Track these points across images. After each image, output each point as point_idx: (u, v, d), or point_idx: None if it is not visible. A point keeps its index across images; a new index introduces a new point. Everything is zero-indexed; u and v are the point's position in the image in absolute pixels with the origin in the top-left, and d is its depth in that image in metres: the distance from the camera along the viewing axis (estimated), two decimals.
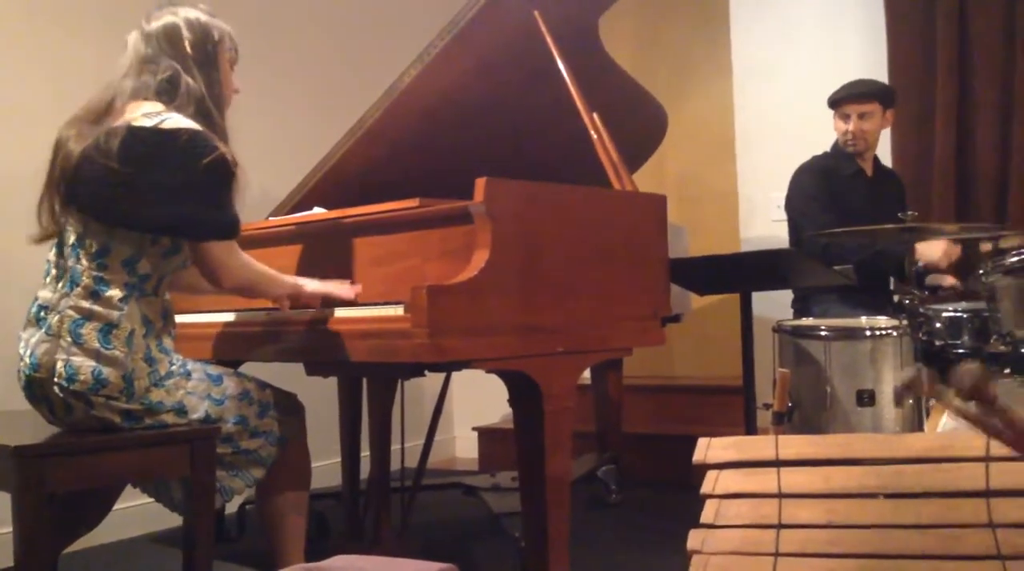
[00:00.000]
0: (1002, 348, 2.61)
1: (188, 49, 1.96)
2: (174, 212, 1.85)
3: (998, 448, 1.50)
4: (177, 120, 1.86)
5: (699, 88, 4.82)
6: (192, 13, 2.00)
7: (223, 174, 1.87)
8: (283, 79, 3.93)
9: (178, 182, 1.84)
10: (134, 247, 1.87)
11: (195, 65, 1.96)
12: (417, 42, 2.59)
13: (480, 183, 1.96)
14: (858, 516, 1.52)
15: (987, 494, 1.48)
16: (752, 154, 4.22)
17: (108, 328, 1.83)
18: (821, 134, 3.56)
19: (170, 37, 1.96)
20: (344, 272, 2.26)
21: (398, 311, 1.93)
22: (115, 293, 1.85)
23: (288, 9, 4.01)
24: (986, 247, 3.32)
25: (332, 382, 2.99)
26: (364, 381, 2.91)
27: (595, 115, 2.49)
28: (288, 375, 2.51)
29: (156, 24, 1.97)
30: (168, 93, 1.92)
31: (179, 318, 2.35)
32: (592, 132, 2.46)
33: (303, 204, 2.73)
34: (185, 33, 1.96)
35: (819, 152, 3.56)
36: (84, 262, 1.87)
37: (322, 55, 4.17)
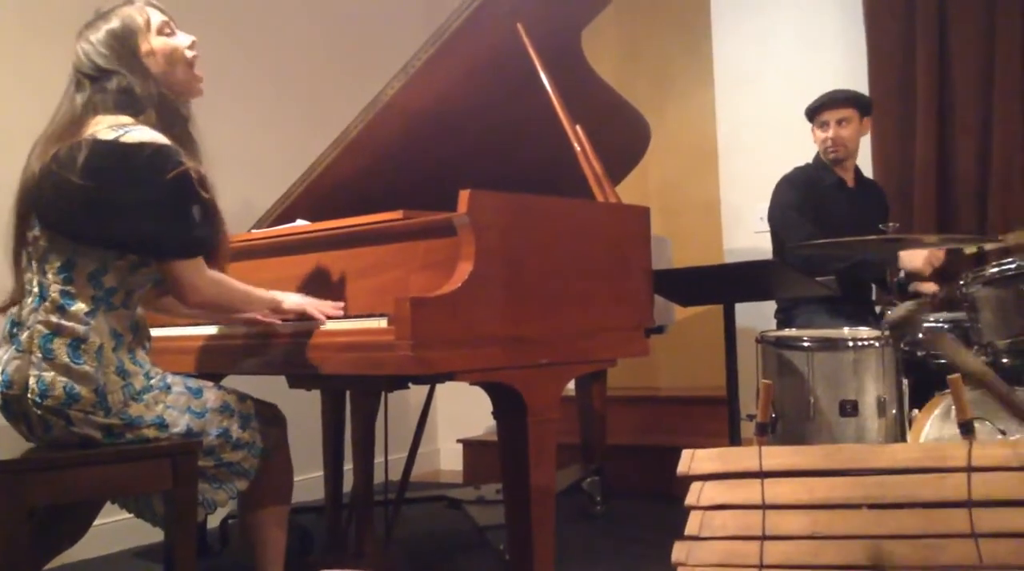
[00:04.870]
0: (983, 358, 2.63)
1: (113, 65, 1.91)
2: (135, 229, 1.82)
3: (980, 458, 1.51)
4: (141, 133, 1.83)
5: (681, 99, 4.85)
6: (93, 32, 1.93)
7: (187, 190, 1.83)
8: (267, 89, 3.93)
9: (140, 198, 1.81)
10: (99, 261, 1.85)
11: (129, 74, 1.90)
12: (403, 53, 2.59)
13: (464, 195, 1.96)
14: (841, 527, 1.52)
15: (969, 504, 1.48)
16: (734, 164, 4.24)
17: (77, 343, 1.80)
18: (803, 144, 3.58)
19: (93, 61, 1.91)
20: (327, 285, 2.26)
21: (381, 323, 1.93)
22: (81, 307, 1.83)
23: (274, 18, 4.01)
24: (971, 250, 3.34)
25: (315, 395, 2.98)
26: (347, 394, 2.90)
27: (578, 127, 2.50)
28: (270, 388, 2.50)
29: (78, 53, 1.93)
30: (127, 105, 1.88)
31: (160, 331, 2.34)
32: (575, 144, 2.47)
33: (286, 216, 2.72)
34: (100, 55, 1.91)
35: (801, 162, 3.58)
36: (50, 276, 1.84)
37: (307, 66, 4.16)
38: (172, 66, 1.99)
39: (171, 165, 1.81)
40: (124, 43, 1.93)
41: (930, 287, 3.40)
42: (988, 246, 3.19)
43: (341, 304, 2.17)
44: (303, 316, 2.11)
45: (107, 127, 1.84)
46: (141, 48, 1.95)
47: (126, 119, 1.87)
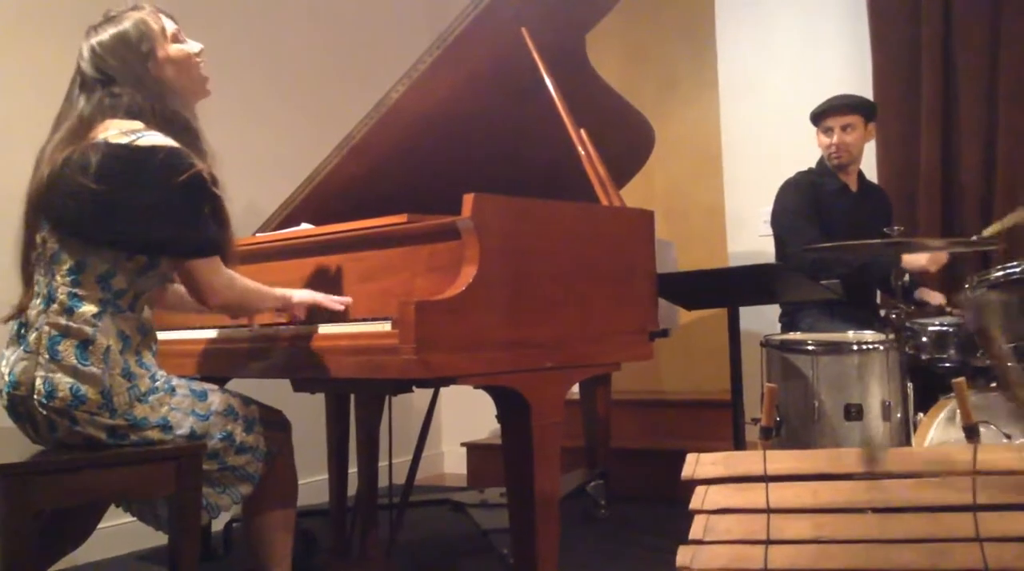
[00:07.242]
0: (988, 362, 2.63)
1: (122, 71, 1.91)
2: (149, 231, 1.83)
3: (985, 462, 1.51)
4: (154, 138, 1.84)
5: (685, 103, 4.85)
6: (101, 35, 1.93)
7: (199, 192, 1.84)
8: (271, 92, 3.93)
9: (153, 200, 1.82)
10: (109, 263, 1.85)
11: (139, 81, 1.91)
12: (407, 57, 2.60)
13: (468, 199, 1.96)
14: (846, 531, 1.52)
15: (974, 508, 1.48)
16: (738, 169, 4.24)
17: (84, 344, 1.81)
18: (807, 149, 3.58)
19: (100, 66, 1.91)
20: (331, 288, 2.26)
21: (385, 327, 1.93)
22: (89, 309, 1.83)
23: (278, 21, 4.02)
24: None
25: (320, 398, 2.98)
26: (352, 397, 2.91)
27: (582, 131, 2.50)
28: (275, 391, 2.50)
29: (84, 55, 1.93)
30: (138, 112, 1.88)
31: (164, 335, 2.34)
32: (579, 148, 2.47)
33: (290, 220, 2.73)
34: (109, 60, 1.91)
35: (805, 166, 3.58)
36: (59, 278, 1.85)
37: (311, 69, 4.17)
38: (185, 72, 2.00)
39: (184, 167, 1.82)
40: (136, 50, 1.93)
41: (936, 297, 3.39)
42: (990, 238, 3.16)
43: (348, 299, 2.17)
44: (314, 307, 2.12)
45: (119, 132, 1.85)
46: (157, 55, 1.95)
47: (137, 125, 1.87)
